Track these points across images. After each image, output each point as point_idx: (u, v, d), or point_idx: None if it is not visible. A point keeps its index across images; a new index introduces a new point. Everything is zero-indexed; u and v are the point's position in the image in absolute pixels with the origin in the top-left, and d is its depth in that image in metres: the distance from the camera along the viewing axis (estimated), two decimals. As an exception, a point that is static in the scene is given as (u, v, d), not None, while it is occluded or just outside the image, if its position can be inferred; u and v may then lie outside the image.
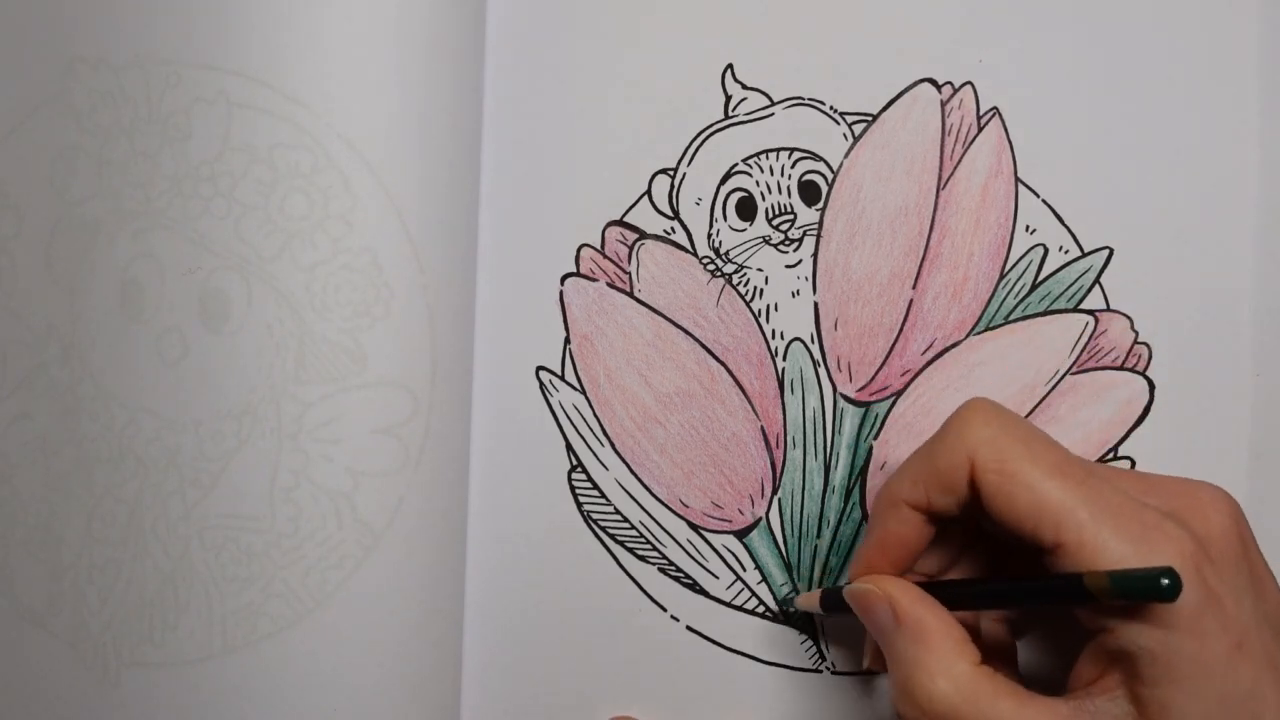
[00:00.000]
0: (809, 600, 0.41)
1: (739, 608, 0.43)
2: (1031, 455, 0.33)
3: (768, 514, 0.42)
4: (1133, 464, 0.42)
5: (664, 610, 0.42)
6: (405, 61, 0.39)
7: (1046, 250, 0.42)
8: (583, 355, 0.42)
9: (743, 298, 0.42)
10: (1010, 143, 0.42)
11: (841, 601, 0.38)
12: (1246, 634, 0.31)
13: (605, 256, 0.42)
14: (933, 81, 0.42)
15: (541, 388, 0.42)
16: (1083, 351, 0.42)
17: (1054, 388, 0.42)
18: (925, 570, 0.38)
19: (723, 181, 0.42)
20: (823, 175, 0.42)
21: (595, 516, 0.42)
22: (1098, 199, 0.42)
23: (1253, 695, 0.31)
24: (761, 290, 0.42)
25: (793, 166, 0.42)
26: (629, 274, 0.42)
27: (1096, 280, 0.42)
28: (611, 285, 0.42)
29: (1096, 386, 0.42)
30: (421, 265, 0.39)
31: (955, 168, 0.42)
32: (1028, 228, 0.42)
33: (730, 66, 0.42)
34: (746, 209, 0.42)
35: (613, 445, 0.42)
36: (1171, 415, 0.41)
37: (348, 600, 0.39)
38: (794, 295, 0.42)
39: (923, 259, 0.42)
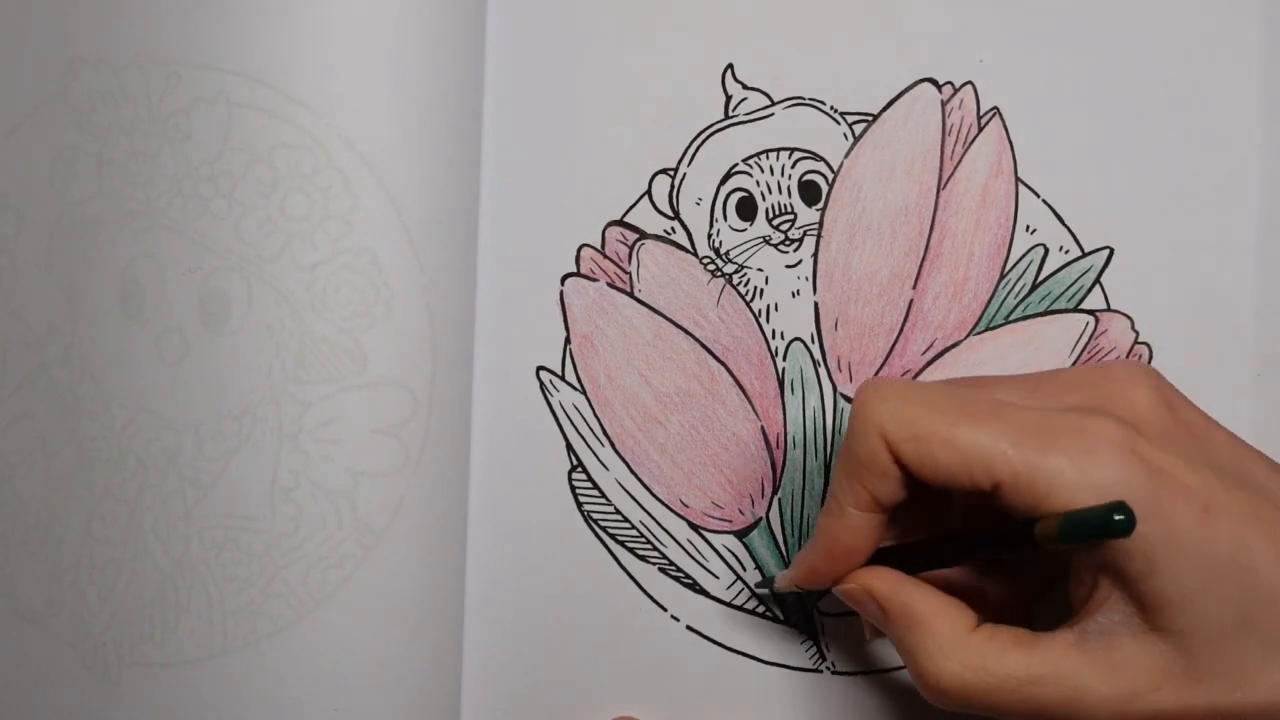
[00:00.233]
0: (785, 581, 0.40)
1: (739, 608, 0.43)
2: (936, 411, 0.33)
3: (768, 514, 0.42)
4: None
5: (664, 610, 0.42)
6: (405, 61, 0.39)
7: (1047, 250, 0.42)
8: (583, 355, 0.42)
9: (743, 298, 0.42)
10: (1010, 143, 0.42)
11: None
12: (1211, 494, 0.31)
13: (605, 256, 0.42)
14: (933, 81, 0.42)
15: (542, 388, 0.42)
16: (1083, 351, 0.42)
17: (1054, 388, 0.42)
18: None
19: (723, 181, 0.42)
20: (823, 175, 0.42)
21: (595, 516, 0.42)
22: (1098, 199, 0.42)
23: (1238, 549, 0.30)
24: (762, 290, 0.42)
25: (793, 166, 0.42)
26: (629, 274, 0.42)
27: (1097, 280, 0.42)
28: (612, 285, 0.42)
29: (1097, 386, 0.42)
30: (421, 265, 0.39)
31: (956, 168, 0.42)
32: (1028, 228, 0.42)
33: (730, 66, 0.42)
34: (747, 209, 0.42)
35: (613, 445, 0.42)
36: (1172, 415, 0.41)
37: (348, 600, 0.39)
38: (794, 295, 0.42)
39: (923, 259, 0.42)
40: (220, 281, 0.38)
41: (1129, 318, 0.42)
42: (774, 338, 0.42)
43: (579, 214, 0.42)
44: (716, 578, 0.42)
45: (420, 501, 0.40)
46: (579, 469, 0.42)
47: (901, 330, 0.42)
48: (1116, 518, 0.29)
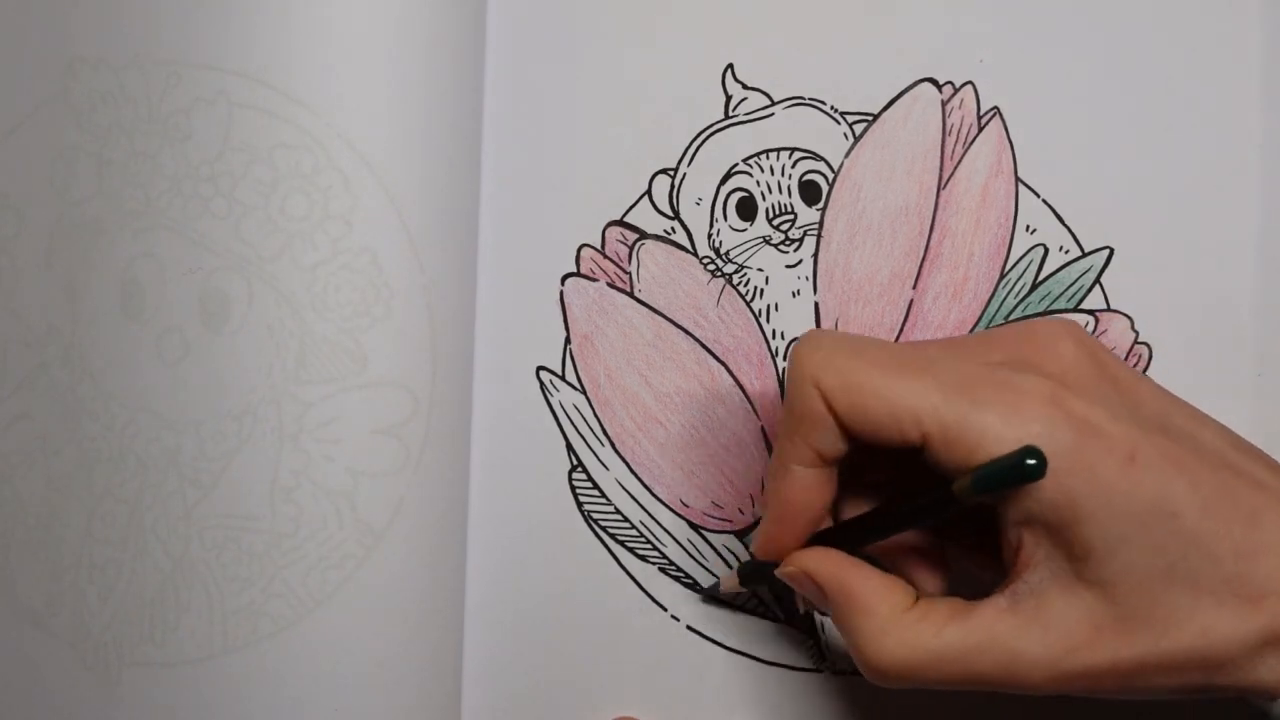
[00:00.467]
0: (730, 584, 0.40)
1: (739, 608, 0.43)
2: (869, 362, 0.33)
3: (768, 514, 0.42)
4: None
5: (664, 610, 0.42)
6: (405, 61, 0.39)
7: (1047, 250, 0.42)
8: (583, 355, 0.42)
9: (743, 298, 0.42)
10: (1011, 142, 0.42)
11: (759, 575, 0.38)
12: (1135, 445, 0.31)
13: (605, 256, 0.42)
14: (933, 81, 0.42)
15: (542, 388, 0.42)
16: (1083, 351, 0.42)
17: (1054, 388, 0.42)
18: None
19: (723, 181, 0.42)
20: (823, 175, 0.42)
21: (596, 516, 0.42)
22: (1098, 199, 0.42)
23: (1162, 496, 0.31)
24: (762, 290, 0.42)
25: (793, 166, 0.42)
26: (629, 274, 0.42)
27: (1097, 280, 0.42)
28: (612, 285, 0.42)
29: (1097, 386, 0.42)
30: (422, 265, 0.39)
31: (956, 167, 0.42)
32: (1028, 228, 0.42)
33: (730, 66, 0.42)
34: (747, 209, 0.42)
35: (613, 445, 0.42)
36: (1172, 415, 0.41)
37: (348, 600, 0.39)
38: (794, 295, 0.42)
39: (923, 259, 0.42)
40: (220, 281, 0.38)
41: (1129, 318, 0.42)
42: (774, 338, 0.42)
43: (579, 214, 0.42)
44: (716, 578, 0.42)
45: (420, 501, 0.40)
46: (579, 469, 0.42)
47: (902, 330, 0.42)
48: (1029, 462, 0.30)
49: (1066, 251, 0.42)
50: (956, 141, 0.42)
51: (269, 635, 0.39)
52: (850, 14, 0.42)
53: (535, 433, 0.42)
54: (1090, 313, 0.42)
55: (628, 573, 0.42)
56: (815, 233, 0.42)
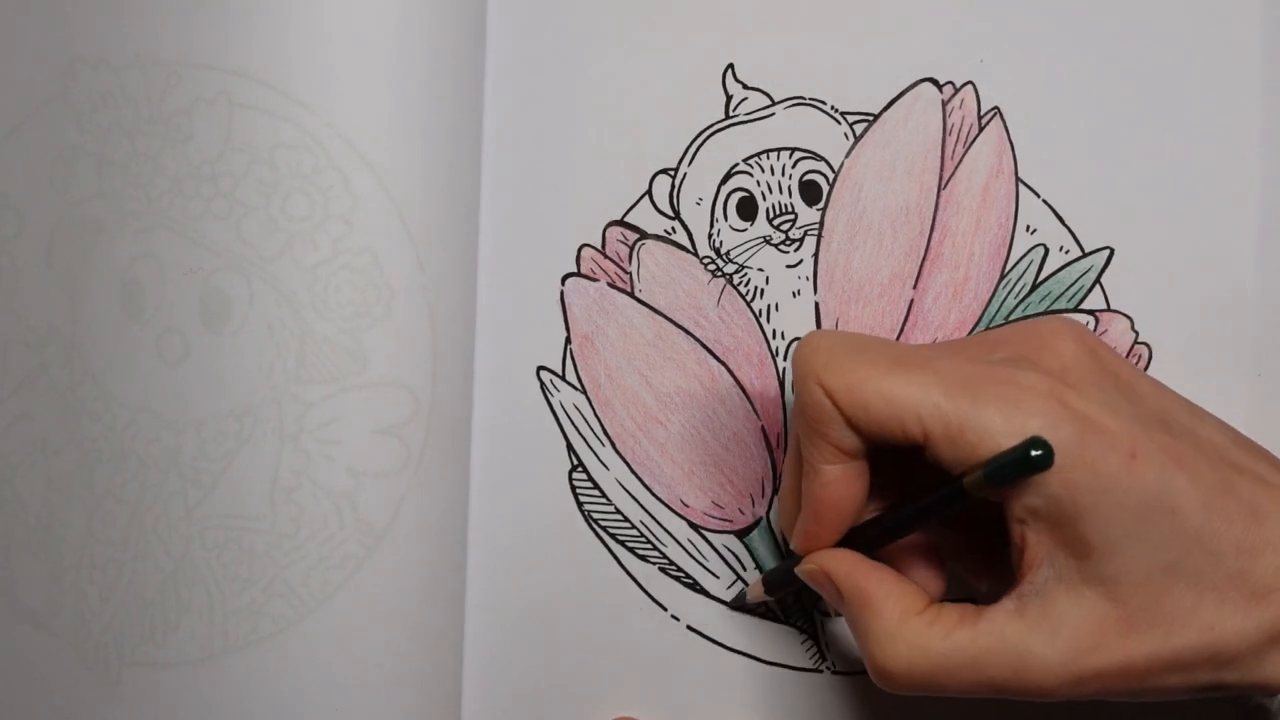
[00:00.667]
0: (757, 593, 0.41)
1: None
2: (869, 360, 0.33)
3: (768, 514, 0.42)
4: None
5: (664, 610, 0.42)
6: (406, 61, 0.39)
7: (1047, 250, 0.42)
8: (583, 355, 0.42)
9: (743, 298, 0.42)
10: (1011, 143, 0.42)
11: (784, 582, 0.38)
12: (1136, 441, 0.31)
13: (606, 256, 0.42)
14: (934, 81, 0.42)
15: (542, 387, 0.42)
16: (1083, 351, 0.42)
17: (1054, 388, 0.42)
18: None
19: (723, 181, 0.42)
20: (824, 175, 0.42)
21: (596, 516, 0.42)
22: (1098, 199, 0.42)
23: (1163, 492, 0.31)
24: (762, 290, 0.42)
25: (794, 166, 0.42)
26: (630, 274, 0.42)
27: (1097, 280, 0.42)
28: (612, 285, 0.42)
29: (1097, 386, 0.42)
30: (422, 265, 0.39)
31: (956, 168, 0.42)
32: (1028, 228, 0.42)
33: (731, 66, 0.42)
34: (747, 209, 0.42)
35: (613, 445, 0.42)
36: (1172, 415, 0.42)
37: (349, 600, 0.39)
38: (795, 295, 0.42)
39: (923, 259, 0.42)
40: (221, 281, 0.38)
41: (1129, 318, 0.42)
42: (774, 338, 0.42)
43: (579, 214, 0.42)
44: (716, 578, 0.42)
45: (421, 501, 0.40)
46: (579, 469, 0.42)
47: (902, 330, 0.42)
48: (1034, 453, 0.30)
49: (1067, 251, 0.42)
50: (957, 141, 0.42)
51: (270, 635, 0.39)
52: (850, 14, 0.42)
53: (535, 433, 0.42)
54: (1090, 313, 0.42)
55: (628, 573, 0.42)
56: (816, 233, 0.42)
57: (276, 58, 0.38)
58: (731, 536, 0.43)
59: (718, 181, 0.42)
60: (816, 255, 0.42)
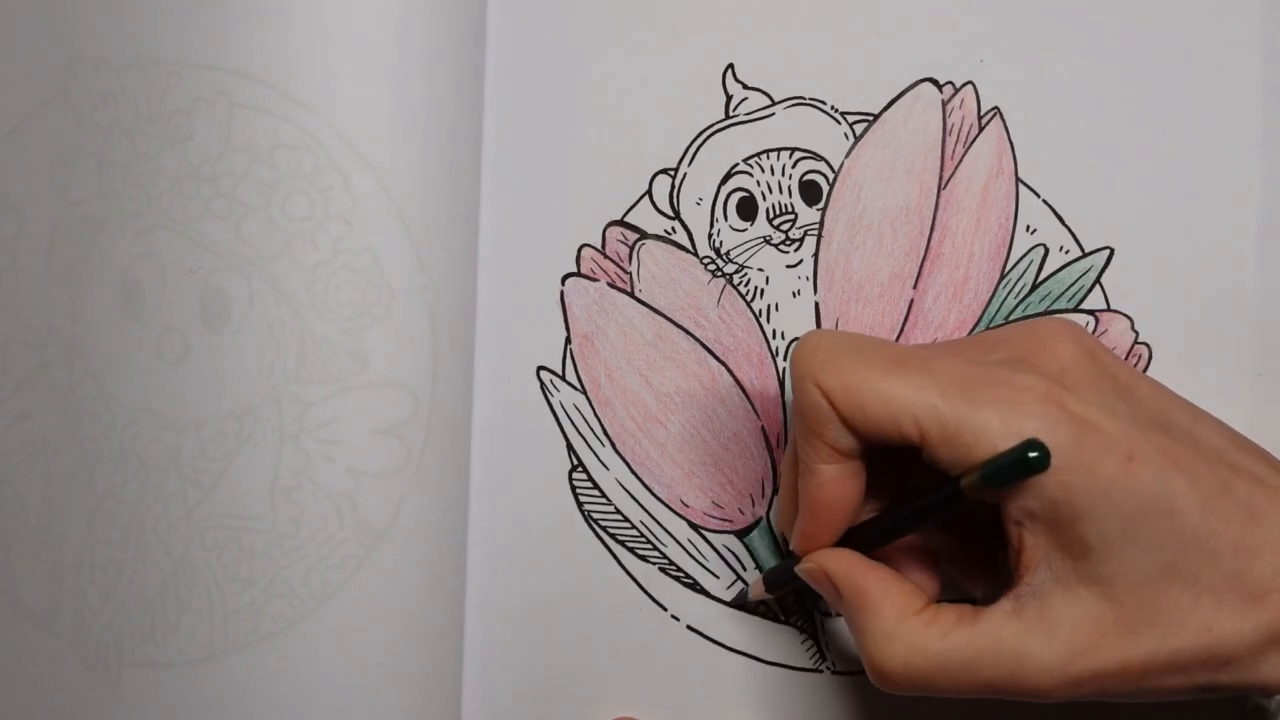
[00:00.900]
0: (758, 591, 0.41)
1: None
2: (866, 361, 0.33)
3: (768, 514, 0.42)
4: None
5: (664, 610, 0.42)
6: (406, 61, 0.39)
7: (1047, 250, 0.42)
8: (583, 355, 0.42)
9: (743, 298, 0.42)
10: (1011, 143, 0.42)
11: (785, 580, 0.38)
12: (1133, 442, 0.31)
13: (606, 256, 0.42)
14: (934, 81, 0.42)
15: (542, 387, 0.42)
16: (1083, 351, 0.42)
17: (1054, 388, 0.42)
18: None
19: (723, 181, 0.42)
20: (824, 175, 0.42)
21: (596, 516, 0.42)
22: (1098, 199, 0.42)
23: (1160, 494, 0.31)
24: (762, 290, 0.42)
25: (794, 166, 0.42)
26: (630, 274, 0.42)
27: (1097, 280, 0.42)
28: (612, 285, 0.42)
29: (1097, 386, 0.42)
30: (422, 265, 0.39)
31: (956, 168, 0.42)
32: (1028, 228, 0.42)
33: (731, 66, 0.42)
34: (747, 209, 0.42)
35: (613, 445, 0.42)
36: (1172, 415, 0.42)
37: (349, 600, 0.39)
38: (795, 295, 0.42)
39: (923, 259, 0.42)
40: (221, 281, 0.38)
41: (1129, 318, 0.42)
42: (774, 338, 0.42)
43: (579, 214, 0.42)
44: (716, 578, 0.42)
45: (421, 501, 0.40)
46: (579, 469, 0.42)
47: (902, 330, 0.42)
48: (1031, 455, 0.30)
49: (1067, 252, 0.42)
50: (957, 141, 0.42)
51: (270, 635, 0.39)
52: (850, 14, 0.42)
53: (535, 433, 0.42)
54: (1090, 313, 0.42)
55: (628, 573, 0.42)
56: (816, 233, 0.42)
57: (276, 58, 0.38)
58: (731, 536, 0.43)
59: (718, 181, 0.42)
60: (816, 255, 0.42)
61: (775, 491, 0.42)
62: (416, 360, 0.39)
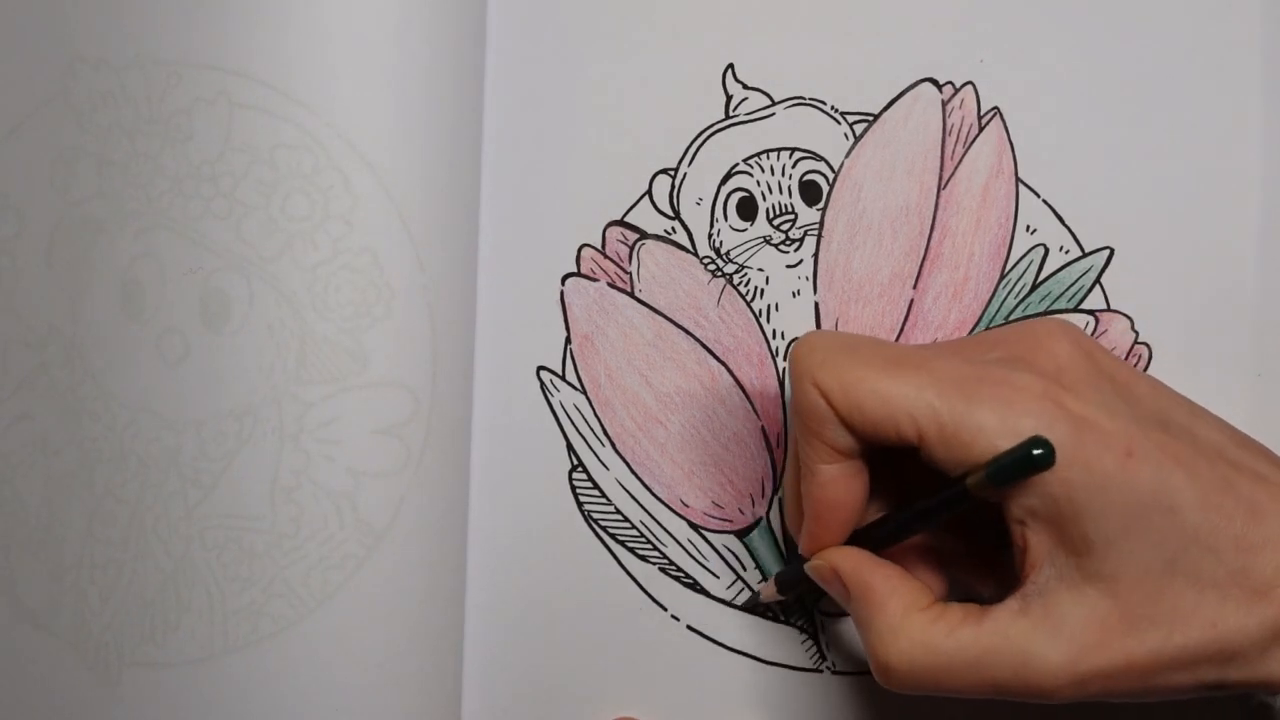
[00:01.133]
0: (770, 592, 0.41)
1: (739, 608, 0.43)
2: (864, 360, 0.33)
3: (768, 514, 0.42)
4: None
5: (664, 610, 0.42)
6: (406, 61, 0.39)
7: (1047, 250, 0.42)
8: (583, 355, 0.42)
9: (743, 298, 0.42)
10: (1011, 143, 0.42)
11: (796, 581, 0.38)
12: (1132, 439, 0.31)
13: (606, 256, 0.42)
14: (934, 81, 0.42)
15: (542, 387, 0.42)
16: (1083, 351, 0.42)
17: (1054, 388, 0.42)
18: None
19: (723, 181, 0.42)
20: (823, 175, 0.42)
21: (596, 516, 0.42)
22: (1098, 199, 0.42)
23: (1160, 490, 0.31)
24: (762, 290, 0.42)
25: (794, 166, 0.42)
26: (630, 274, 0.42)
27: (1097, 280, 0.42)
28: (612, 285, 0.42)
29: (1097, 386, 0.42)
30: (422, 265, 0.39)
31: (956, 168, 0.42)
32: (1028, 228, 0.42)
33: (731, 66, 0.42)
34: (747, 209, 0.42)
35: (613, 445, 0.42)
36: (1172, 415, 0.42)
37: (349, 600, 0.39)
38: (795, 295, 0.42)
39: (923, 259, 0.42)
40: (221, 281, 0.38)
41: (1129, 318, 0.42)
42: (774, 338, 0.42)
43: (579, 214, 0.42)
44: (717, 578, 0.42)
45: (421, 501, 0.40)
46: (579, 469, 0.42)
47: (902, 330, 0.42)
48: (1036, 452, 0.30)
49: (1067, 252, 0.42)
50: (957, 141, 0.42)
51: (270, 635, 0.39)
52: (850, 14, 0.42)
53: (535, 433, 0.42)
54: (1090, 313, 0.42)
55: (628, 573, 0.42)
56: (815, 233, 0.42)
57: (276, 58, 0.38)
58: (731, 536, 0.43)
59: (718, 181, 0.42)
60: (816, 255, 0.42)
61: (775, 491, 0.42)
62: (416, 360, 0.39)
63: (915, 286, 0.42)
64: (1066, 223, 0.42)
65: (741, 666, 0.43)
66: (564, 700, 0.42)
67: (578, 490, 0.42)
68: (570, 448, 0.42)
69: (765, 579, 0.42)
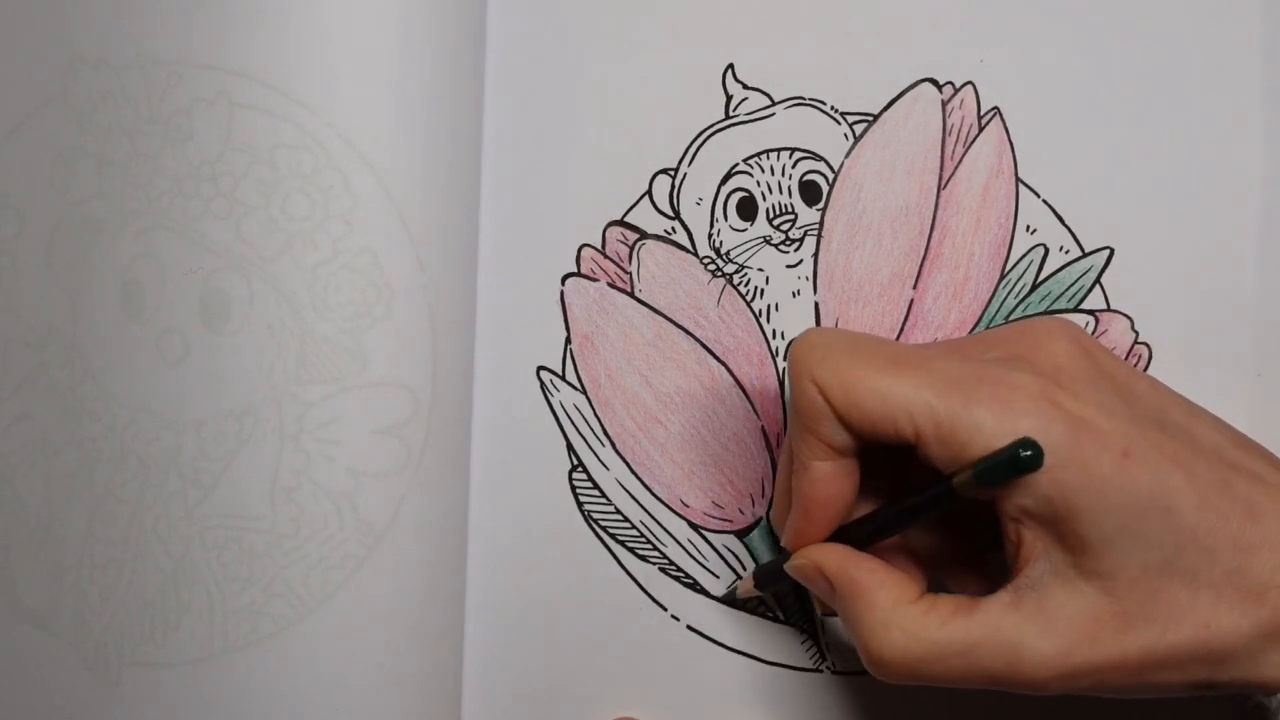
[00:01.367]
0: (747, 587, 0.41)
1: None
2: (863, 359, 0.33)
3: (768, 514, 0.42)
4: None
5: (664, 610, 0.42)
6: (405, 61, 0.39)
7: (1047, 250, 0.42)
8: (583, 355, 0.42)
9: (743, 298, 0.42)
10: (1011, 143, 0.42)
11: (774, 577, 0.38)
12: (1130, 440, 0.31)
13: (606, 256, 0.42)
14: (934, 81, 0.42)
15: (542, 387, 0.42)
16: (1083, 351, 0.42)
17: (1054, 388, 0.42)
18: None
19: (723, 181, 0.42)
20: (823, 175, 0.42)
21: (596, 516, 0.42)
22: (1098, 199, 0.42)
23: (1157, 490, 0.31)
24: (762, 290, 0.42)
25: (793, 166, 0.42)
26: (630, 274, 0.42)
27: (1097, 280, 0.42)
28: (612, 285, 0.42)
29: (1097, 386, 0.42)
30: (422, 265, 0.39)
31: (956, 168, 0.42)
32: (1028, 228, 0.42)
33: (731, 66, 0.42)
34: (747, 209, 0.42)
35: (613, 445, 0.42)
36: (1172, 415, 0.42)
37: (349, 600, 0.39)
38: (795, 295, 0.42)
39: (923, 259, 0.42)
40: (221, 281, 0.38)
41: (1129, 318, 0.42)
42: (774, 337, 0.42)
43: (579, 214, 0.42)
44: (717, 578, 0.42)
45: (421, 501, 0.40)
46: (579, 469, 0.42)
47: (902, 330, 0.42)
48: (1024, 453, 0.30)
49: (1067, 251, 0.42)
50: (957, 141, 0.42)
51: (270, 635, 0.39)
52: (850, 14, 0.42)
53: (535, 433, 0.42)
54: (1090, 313, 0.42)
55: (628, 573, 0.42)
56: (815, 233, 0.42)
57: (276, 58, 0.38)
58: (731, 536, 0.43)
59: (718, 181, 0.42)
60: (816, 255, 0.42)
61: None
62: (416, 360, 0.39)
63: (915, 286, 0.42)
64: (1066, 223, 0.42)
65: (741, 666, 0.43)
66: (564, 700, 0.42)
67: (578, 490, 0.42)
68: (570, 448, 0.42)
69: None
